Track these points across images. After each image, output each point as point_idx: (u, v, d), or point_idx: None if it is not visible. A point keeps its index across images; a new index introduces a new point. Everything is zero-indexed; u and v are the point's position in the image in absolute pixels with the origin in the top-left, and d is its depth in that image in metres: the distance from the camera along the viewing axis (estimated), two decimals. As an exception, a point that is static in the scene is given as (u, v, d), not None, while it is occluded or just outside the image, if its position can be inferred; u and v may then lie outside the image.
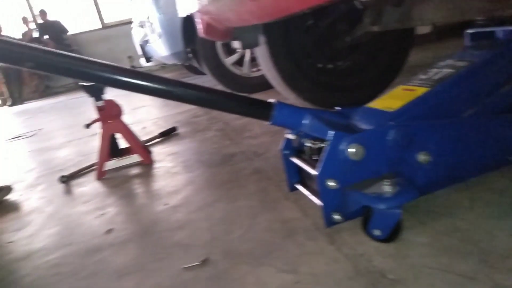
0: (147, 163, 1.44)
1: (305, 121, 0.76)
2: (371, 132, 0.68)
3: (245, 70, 2.46)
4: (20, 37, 6.78)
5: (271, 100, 0.81)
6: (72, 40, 7.29)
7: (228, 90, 2.55)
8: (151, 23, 2.39)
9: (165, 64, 4.62)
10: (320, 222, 0.77)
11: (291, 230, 0.78)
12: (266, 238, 0.77)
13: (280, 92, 1.70)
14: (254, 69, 2.49)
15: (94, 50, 7.64)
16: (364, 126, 0.75)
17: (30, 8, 7.16)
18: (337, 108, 0.85)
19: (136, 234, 0.92)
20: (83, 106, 4.28)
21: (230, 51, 2.44)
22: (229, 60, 2.42)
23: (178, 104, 2.74)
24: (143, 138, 1.72)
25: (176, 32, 2.27)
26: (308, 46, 1.52)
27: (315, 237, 0.74)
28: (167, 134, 1.82)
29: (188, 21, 2.30)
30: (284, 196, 0.93)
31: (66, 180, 1.43)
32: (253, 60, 2.47)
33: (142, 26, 2.74)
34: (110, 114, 1.41)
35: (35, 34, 6.88)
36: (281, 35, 1.42)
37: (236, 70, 2.45)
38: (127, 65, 7.83)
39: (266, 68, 1.52)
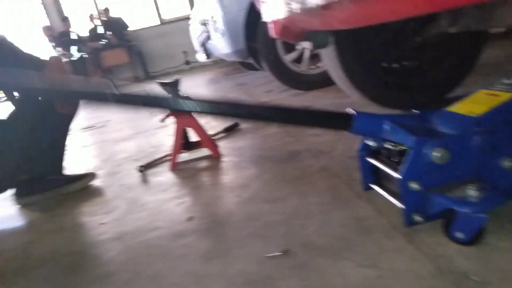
0: (216, 156, 1.53)
1: (385, 127, 0.79)
2: (456, 137, 0.69)
3: (303, 68, 2.49)
4: (87, 33, 7.28)
5: (349, 110, 0.83)
6: (132, 36, 7.68)
7: (286, 87, 2.60)
8: (215, 22, 2.48)
9: (220, 60, 4.77)
10: (396, 222, 0.80)
11: (367, 228, 0.81)
12: (342, 234, 0.81)
13: (344, 91, 1.71)
14: (312, 67, 2.52)
15: (151, 45, 8.00)
16: (445, 130, 0.76)
17: (96, 6, 7.63)
18: (415, 111, 0.87)
19: (215, 222, 1.00)
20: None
21: (289, 48, 2.48)
22: (288, 58, 2.46)
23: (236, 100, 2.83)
24: (209, 132, 1.82)
25: (238, 31, 2.35)
26: (376, 46, 1.52)
27: (393, 235, 0.77)
28: (231, 130, 1.91)
29: (250, 20, 2.38)
30: (356, 195, 0.96)
31: (143, 169, 1.56)
32: (312, 58, 2.50)
33: (204, 24, 2.85)
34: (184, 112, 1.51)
35: (100, 30, 7.34)
36: (350, 35, 1.44)
37: (294, 67, 2.49)
38: (181, 60, 8.15)
39: (332, 67, 1.55)
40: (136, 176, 1.53)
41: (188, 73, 7.13)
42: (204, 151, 1.55)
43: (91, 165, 1.81)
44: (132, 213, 1.17)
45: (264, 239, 0.86)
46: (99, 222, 1.15)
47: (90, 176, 1.53)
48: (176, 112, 1.51)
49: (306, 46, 1.33)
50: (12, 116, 1.36)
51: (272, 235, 0.87)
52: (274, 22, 1.14)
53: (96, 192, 1.45)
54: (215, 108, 0.92)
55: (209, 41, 2.90)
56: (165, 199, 1.23)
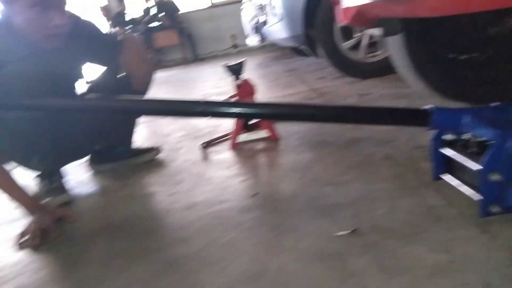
0: (274, 139, 1.58)
1: (465, 121, 0.79)
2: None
3: (360, 55, 2.46)
4: (142, 13, 7.53)
5: (427, 107, 0.84)
6: (183, 18, 7.84)
7: (339, 74, 2.59)
8: (273, 6, 2.50)
9: (269, 45, 4.78)
10: (468, 212, 0.80)
11: (437, 216, 0.83)
12: (411, 220, 0.83)
13: (404, 80, 1.69)
14: (369, 55, 2.48)
15: (201, 28, 8.14)
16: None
17: (150, -12, 7.84)
18: (493, 104, 0.86)
19: (281, 200, 1.05)
20: (193, 80, 4.67)
21: (347, 36, 2.45)
22: (346, 45, 2.44)
23: (287, 86, 2.86)
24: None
25: (297, 16, 2.36)
26: (445, 36, 1.48)
27: (464, 225, 0.78)
28: (287, 114, 1.94)
29: (309, 6, 2.37)
30: (424, 184, 0.97)
31: (205, 147, 1.64)
32: (369, 46, 2.46)
33: (261, 8, 2.87)
34: (246, 92, 1.57)
35: (153, 12, 7.56)
36: (420, 23, 1.41)
37: (351, 55, 2.46)
38: (229, 43, 8.23)
39: (397, 56, 1.53)
40: (197, 153, 1.61)
41: (235, 57, 7.19)
42: (263, 133, 1.60)
43: (154, 141, 1.92)
44: (199, 186, 1.25)
45: (331, 218, 0.90)
46: (169, 192, 1.24)
47: (156, 150, 1.63)
48: (239, 93, 1.57)
49: (373, 33, 1.32)
50: (91, 89, 1.47)
51: (338, 215, 0.91)
52: (348, 7, 1.15)
53: (162, 165, 1.55)
54: (293, 111, 0.95)
55: (265, 26, 2.92)
56: (229, 176, 1.30)
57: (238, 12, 8.02)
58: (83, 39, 1.30)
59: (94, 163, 1.62)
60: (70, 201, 1.31)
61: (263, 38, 3.37)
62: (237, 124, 1.58)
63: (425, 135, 1.29)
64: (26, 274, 0.92)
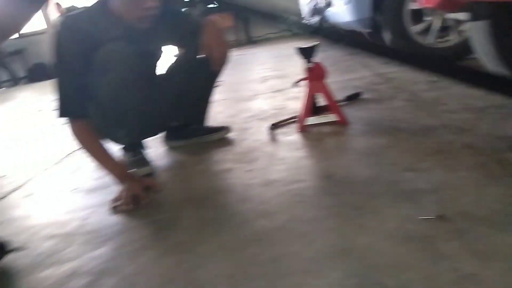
0: (343, 123, 1.59)
1: None
2: None
3: (430, 40, 2.36)
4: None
5: None
6: (239, 1, 7.87)
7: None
8: (342, -12, 2.45)
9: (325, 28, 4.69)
10: None
11: (530, 207, 0.81)
12: (501, 209, 0.82)
13: (488, 68, 1.61)
14: (440, 40, 2.37)
15: (256, 7, 8.11)
16: None
17: (207, -31, 7.91)
18: None
19: (358, 183, 1.07)
20: (249, 63, 4.71)
21: (416, 19, 2.36)
22: (415, 29, 2.35)
23: (349, 70, 2.81)
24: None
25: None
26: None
27: (562, 218, 0.76)
28: (353, 99, 1.93)
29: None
30: (510, 174, 0.95)
31: (273, 128, 1.68)
32: (441, 30, 2.35)
33: (327, -10, 2.83)
34: (317, 75, 1.58)
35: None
36: (509, 9, 1.34)
37: (420, 40, 2.37)
38: (283, 26, 8.16)
39: (480, 43, 1.46)
40: (266, 133, 1.66)
41: (290, 40, 7.13)
42: (332, 117, 1.61)
43: (221, 121, 2.00)
44: (273, 165, 1.30)
45: (414, 203, 0.91)
46: (245, 169, 1.30)
47: (227, 129, 1.70)
48: (309, 77, 1.59)
49: (460, 17, 1.28)
50: (171, 69, 1.56)
51: (421, 201, 0.92)
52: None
53: (233, 144, 1.61)
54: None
55: (329, 9, 2.88)
56: (301, 157, 1.33)
57: (294, -6, 7.80)
58: (169, 21, 1.37)
59: (168, 139, 1.72)
60: (152, 173, 1.42)
61: (324, 21, 3.32)
62: (306, 106, 1.60)
63: (508, 125, 1.25)
64: (125, 235, 1.02)
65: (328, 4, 2.83)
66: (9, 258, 0.98)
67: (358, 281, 0.69)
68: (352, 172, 1.15)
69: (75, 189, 1.42)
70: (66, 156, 1.88)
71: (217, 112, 2.30)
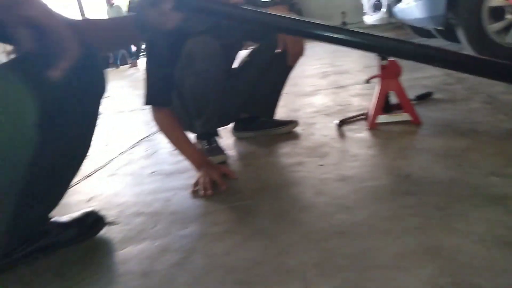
0: (416, 123, 1.55)
1: None
2: None
3: (510, 40, 2.23)
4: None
5: None
6: (294, -6, 7.84)
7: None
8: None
9: (384, 24, 4.56)
10: None
11: None
12: None
13: None
14: (520, 40, 2.23)
15: (311, 4, 8.06)
16: None
17: (266, -37, 7.94)
18: None
19: (439, 184, 1.05)
20: (307, 57, 4.68)
21: (495, 17, 2.23)
22: (493, 27, 2.23)
23: (416, 68, 2.72)
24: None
25: (440, -5, 2.21)
26: None
27: None
28: (423, 98, 1.88)
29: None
30: None
31: (341, 124, 1.69)
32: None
33: (397, -15, 2.75)
34: (391, 73, 1.56)
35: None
36: None
37: (498, 39, 2.25)
38: (338, 20, 8.01)
39: None
40: (333, 129, 1.67)
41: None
42: (404, 116, 1.59)
43: (285, 115, 2.03)
44: (345, 161, 1.31)
45: (504, 208, 0.88)
46: (317, 163, 1.33)
47: (294, 123, 1.73)
48: (382, 74, 1.57)
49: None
50: (246, 62, 1.61)
51: None
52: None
53: (301, 138, 1.64)
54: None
55: (398, 4, 2.80)
56: (374, 155, 1.33)
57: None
58: None
59: (237, 129, 1.78)
60: (226, 161, 1.48)
61: (391, 17, 3.23)
62: (377, 104, 1.59)
63: None
64: (208, 217, 1.09)
65: (399, 0, 2.75)
66: (104, 231, 1.08)
67: (451, 280, 0.69)
68: (431, 172, 1.14)
69: (153, 172, 1.52)
70: (140, 141, 2.01)
71: (280, 106, 2.33)
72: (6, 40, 0.58)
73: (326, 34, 0.87)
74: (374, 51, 0.97)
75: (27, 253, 0.94)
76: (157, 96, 1.34)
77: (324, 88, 2.58)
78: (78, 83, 0.74)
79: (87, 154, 0.91)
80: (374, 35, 0.90)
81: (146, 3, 0.81)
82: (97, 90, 0.83)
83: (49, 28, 0.58)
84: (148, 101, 1.34)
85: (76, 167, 0.89)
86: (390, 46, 0.88)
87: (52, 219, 1.01)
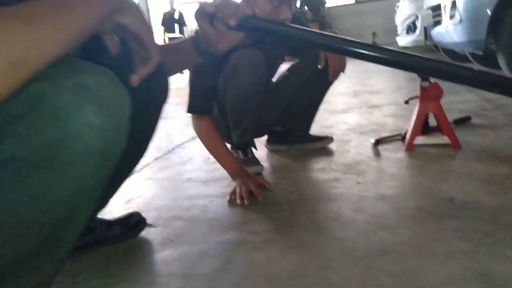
0: (456, 147, 1.53)
1: None
2: None
3: (553, 68, 2.18)
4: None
5: None
6: (325, 13, 7.91)
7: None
8: (454, 7, 2.37)
9: (418, 46, 4.53)
10: None
11: None
12: None
13: None
14: None
15: (342, 23, 8.10)
16: None
17: (299, -18, 8.07)
18: None
19: (485, 210, 1.02)
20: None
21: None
22: (536, 55, 2.18)
23: (450, 92, 2.68)
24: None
25: (482, 19, 2.19)
26: None
27: None
28: (462, 122, 1.85)
29: (498, 8, 2.18)
30: None
31: (378, 143, 1.68)
32: None
33: (435, 8, 2.74)
34: (432, 95, 1.55)
35: (297, 4, 7.79)
36: None
37: (541, 67, 2.20)
38: (369, 40, 8.01)
39: None
40: (369, 148, 1.66)
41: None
42: (443, 139, 1.56)
43: (318, 131, 2.03)
44: (384, 180, 1.30)
45: (555, 239, 0.86)
46: (355, 180, 1.32)
47: (329, 139, 1.73)
48: (422, 96, 1.56)
49: None
50: (286, 77, 1.63)
51: None
52: None
53: (336, 155, 1.64)
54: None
55: (436, 27, 2.79)
56: (413, 175, 1.32)
57: (381, 9, 7.68)
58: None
59: (271, 142, 1.80)
60: (261, 173, 1.50)
61: (429, 40, 3.22)
62: (416, 125, 1.57)
63: None
64: (246, 226, 1.09)
65: (436, 22, 2.74)
66: (144, 232, 1.10)
67: (506, 308, 0.67)
68: (475, 197, 1.11)
69: (189, 178, 1.55)
70: (175, 147, 2.05)
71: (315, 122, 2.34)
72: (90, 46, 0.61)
73: (377, 55, 0.87)
74: (430, 75, 0.96)
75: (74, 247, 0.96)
76: (199, 105, 1.37)
77: (356, 107, 2.58)
78: (148, 88, 0.77)
79: (143, 157, 0.94)
80: (426, 58, 0.90)
81: (206, 23, 0.81)
82: (163, 96, 0.86)
83: (141, 35, 0.61)
84: (191, 109, 1.38)
85: (132, 169, 0.92)
86: (447, 70, 0.88)
87: (97, 217, 1.04)
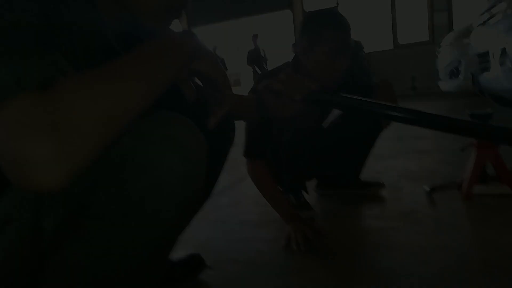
0: (518, 197, 1.47)
1: None
2: None
3: None
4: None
5: None
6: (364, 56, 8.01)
7: None
8: (504, 54, 2.35)
9: (457, 91, 4.45)
10: None
11: None
12: None
13: None
14: None
15: (381, 67, 8.15)
16: None
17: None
18: None
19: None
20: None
21: None
22: None
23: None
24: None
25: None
26: None
27: None
28: (520, 171, 1.77)
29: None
30: None
31: (432, 191, 1.63)
32: None
33: (483, 55, 2.73)
34: (489, 143, 1.51)
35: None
36: None
37: None
38: (408, 84, 7.97)
39: None
40: (422, 195, 1.62)
41: (413, 99, 6.93)
42: (504, 188, 1.50)
43: (367, 175, 2.01)
44: (444, 230, 1.26)
45: None
46: (412, 230, 1.28)
47: (380, 185, 1.71)
48: (479, 143, 1.53)
49: None
50: (338, 124, 1.66)
51: None
52: None
53: (388, 202, 1.61)
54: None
55: (484, 74, 2.76)
56: (475, 226, 1.26)
57: (420, 54, 7.67)
58: (348, 82, 1.49)
59: (320, 186, 1.80)
60: (314, 218, 1.49)
61: (476, 85, 3.18)
62: (474, 173, 1.53)
63: None
64: (306, 274, 1.09)
65: (484, 68, 2.71)
66: (202, 275, 1.12)
67: None
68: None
69: (241, 220, 1.57)
70: (224, 189, 2.10)
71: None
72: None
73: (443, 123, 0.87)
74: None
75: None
76: (255, 149, 1.42)
77: (403, 152, 2.54)
78: (219, 133, 0.82)
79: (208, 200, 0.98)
80: (491, 125, 0.88)
81: (273, 98, 0.85)
82: (230, 141, 0.91)
83: (217, 79, 0.65)
84: (247, 154, 1.42)
85: (196, 212, 0.96)
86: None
87: (161, 257, 1.07)
